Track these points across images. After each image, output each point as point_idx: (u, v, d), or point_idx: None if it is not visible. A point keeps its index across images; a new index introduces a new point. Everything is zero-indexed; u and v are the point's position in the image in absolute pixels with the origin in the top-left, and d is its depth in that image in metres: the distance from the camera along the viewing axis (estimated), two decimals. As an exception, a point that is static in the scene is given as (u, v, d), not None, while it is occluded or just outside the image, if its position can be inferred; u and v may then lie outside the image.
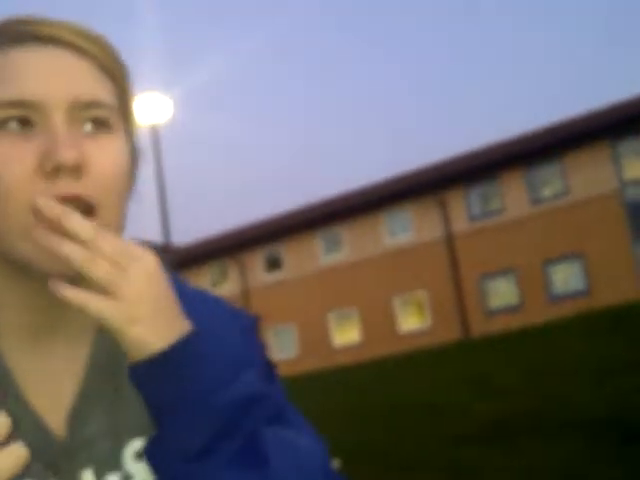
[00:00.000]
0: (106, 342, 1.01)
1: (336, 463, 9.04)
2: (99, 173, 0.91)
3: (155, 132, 19.53)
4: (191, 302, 1.05)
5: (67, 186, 0.89)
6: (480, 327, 26.80)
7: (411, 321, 29.42)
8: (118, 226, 0.95)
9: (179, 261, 29.35)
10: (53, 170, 0.88)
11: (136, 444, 0.97)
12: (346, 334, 30.63)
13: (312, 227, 31.23)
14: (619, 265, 25.18)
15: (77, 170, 0.89)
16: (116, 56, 0.99)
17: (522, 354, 17.44)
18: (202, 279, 34.03)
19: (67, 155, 0.87)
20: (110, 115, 0.94)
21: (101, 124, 0.94)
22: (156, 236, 21.39)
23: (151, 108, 19.61)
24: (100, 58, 0.96)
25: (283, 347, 31.39)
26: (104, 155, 0.92)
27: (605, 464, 9.59)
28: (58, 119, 0.90)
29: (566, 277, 26.66)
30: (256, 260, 33.05)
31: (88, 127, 0.93)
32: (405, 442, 12.79)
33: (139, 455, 0.97)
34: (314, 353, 30.31)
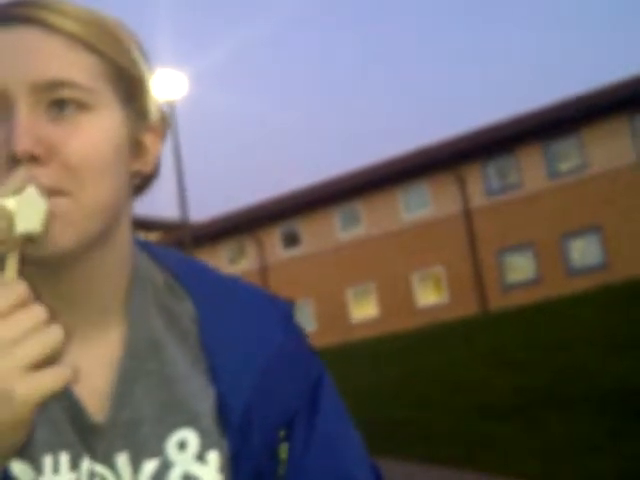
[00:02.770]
0: (142, 323, 1.00)
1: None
2: (67, 157, 0.88)
3: (171, 108, 19.55)
4: (231, 294, 1.07)
5: (26, 175, 0.86)
6: (498, 302, 26.78)
7: (429, 296, 29.44)
8: (97, 208, 0.91)
9: (196, 238, 29.44)
10: (11, 160, 0.86)
11: (182, 433, 0.96)
12: (364, 309, 30.70)
13: (329, 203, 31.22)
14: (637, 239, 25.06)
15: (34, 160, 0.86)
16: (103, 30, 0.94)
17: (540, 328, 17.42)
18: (219, 256, 34.13)
19: (19, 146, 0.85)
20: (82, 94, 0.90)
21: (73, 105, 0.89)
22: (173, 213, 21.46)
23: (167, 84, 19.62)
24: (78, 34, 0.91)
25: (302, 322, 31.38)
26: (73, 137, 0.88)
27: (623, 437, 9.61)
28: (20, 105, 0.87)
29: (584, 251, 26.58)
30: (273, 236, 33.10)
31: (56, 109, 0.89)
32: (423, 416, 12.84)
33: (183, 444, 0.95)
34: (332, 328, 30.39)
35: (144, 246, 1.08)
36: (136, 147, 0.98)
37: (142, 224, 38.79)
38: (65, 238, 0.88)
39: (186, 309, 1.04)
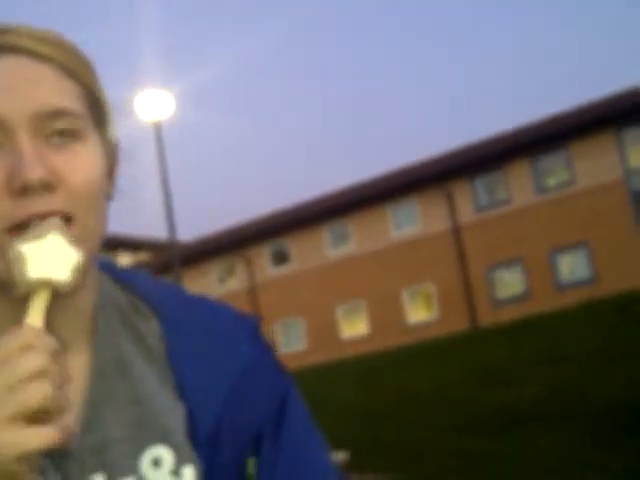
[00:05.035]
0: (108, 345, 1.00)
1: (344, 455, 9.09)
2: (71, 184, 0.89)
3: (158, 128, 19.55)
4: (196, 310, 1.08)
5: (39, 203, 0.87)
6: (488, 317, 26.79)
7: (419, 313, 29.43)
8: (96, 231, 0.94)
9: (185, 258, 29.39)
10: (21, 189, 0.86)
11: (155, 450, 0.95)
12: (354, 327, 30.66)
13: (318, 220, 31.22)
14: (625, 253, 25.14)
15: (46, 187, 0.87)
16: (81, 58, 0.97)
17: (530, 344, 17.45)
18: (208, 276, 34.08)
19: (33, 174, 0.86)
20: (77, 123, 0.92)
21: (69, 133, 0.91)
22: (161, 233, 21.42)
23: (153, 104, 19.63)
24: (63, 62, 0.93)
25: (292, 340, 31.45)
26: (75, 165, 0.90)
27: (611, 452, 9.62)
28: (23, 135, 0.88)
29: (572, 266, 26.65)
30: (263, 255, 33.07)
31: (56, 138, 0.90)
32: (414, 432, 12.83)
33: (157, 462, 0.95)
34: (323, 346, 30.34)
35: (104, 267, 1.07)
36: (107, 169, 0.99)
37: (130, 244, 38.69)
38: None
39: (152, 327, 1.04)
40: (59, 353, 0.78)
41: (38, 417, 0.75)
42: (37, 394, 0.74)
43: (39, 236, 0.85)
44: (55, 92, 0.91)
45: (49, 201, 0.87)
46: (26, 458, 0.74)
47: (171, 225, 18.80)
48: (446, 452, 11.41)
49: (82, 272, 0.87)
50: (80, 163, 0.91)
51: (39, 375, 0.75)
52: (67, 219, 0.89)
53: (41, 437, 0.74)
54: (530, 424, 11.67)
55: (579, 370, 13.80)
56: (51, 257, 0.84)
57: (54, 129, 0.90)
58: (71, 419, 0.88)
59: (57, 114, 0.90)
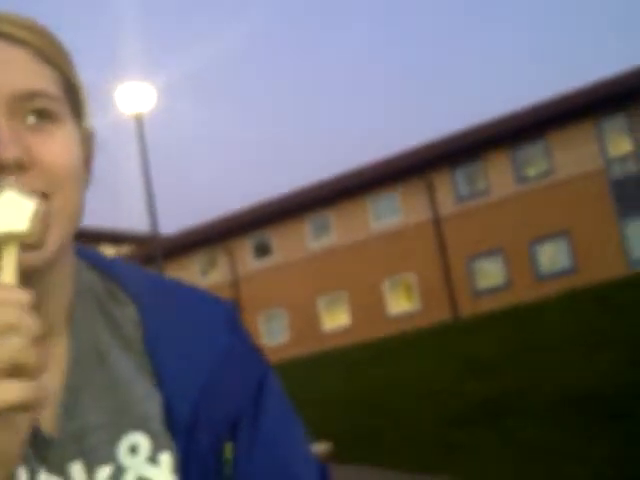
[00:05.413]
0: (85, 332, 1.01)
1: (326, 446, 9.10)
2: (46, 164, 0.90)
3: (139, 121, 19.48)
4: (173, 297, 1.08)
5: (14, 183, 0.87)
6: (469, 308, 26.90)
7: (400, 304, 29.50)
8: (73, 211, 0.94)
9: (167, 251, 29.33)
10: None
11: (132, 437, 0.96)
12: (336, 318, 30.70)
13: (300, 212, 31.23)
14: (605, 242, 25.29)
15: (20, 166, 0.88)
16: (57, 44, 0.97)
17: (510, 333, 17.52)
18: (190, 268, 34.03)
19: (7, 154, 0.86)
20: (54, 105, 0.93)
21: (45, 115, 0.92)
22: (143, 226, 21.38)
23: (135, 97, 19.56)
24: (40, 47, 0.94)
25: (274, 332, 31.47)
26: (50, 146, 0.91)
27: (594, 440, 9.68)
28: None
29: (553, 256, 26.77)
30: (245, 247, 33.05)
31: (32, 119, 0.91)
32: (396, 423, 12.87)
33: (134, 448, 0.95)
34: (305, 338, 30.38)
35: (80, 253, 1.07)
36: (84, 155, 1.00)
37: (112, 237, 38.59)
38: (51, 241, 0.89)
39: (129, 314, 1.04)
40: (33, 309, 0.76)
41: (12, 374, 0.72)
42: (8, 348, 0.72)
43: None
44: (32, 75, 0.92)
45: (24, 180, 0.88)
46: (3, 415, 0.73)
47: (153, 218, 18.75)
48: (429, 442, 11.45)
49: (41, 221, 0.85)
50: (56, 144, 0.92)
51: (10, 329, 0.73)
52: (43, 197, 0.89)
53: (15, 391, 0.72)
54: (512, 413, 11.73)
55: (560, 359, 13.86)
56: (8, 211, 0.83)
57: (31, 109, 0.91)
58: (46, 381, 0.85)
59: (33, 95, 0.91)
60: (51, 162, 0.90)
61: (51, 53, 0.95)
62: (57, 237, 0.91)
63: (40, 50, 0.94)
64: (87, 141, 1.02)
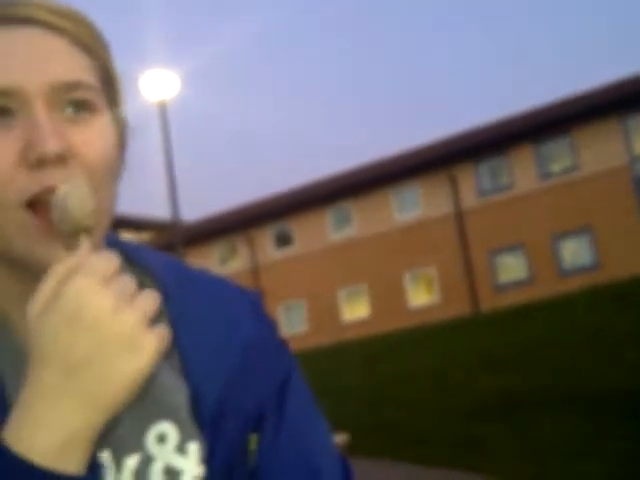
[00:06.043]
0: None
1: (343, 437, 9.11)
2: (85, 157, 0.89)
3: (163, 108, 19.54)
4: (199, 286, 1.07)
5: (53, 176, 0.86)
6: (490, 302, 26.83)
7: (420, 297, 29.48)
8: (109, 206, 0.94)
9: (187, 238, 29.42)
10: (38, 162, 0.86)
11: (161, 426, 0.96)
12: (356, 310, 30.72)
13: (321, 203, 31.24)
14: (628, 240, 25.14)
15: (62, 159, 0.87)
16: (96, 32, 0.97)
17: (531, 329, 17.48)
18: (211, 256, 34.12)
19: (50, 146, 0.85)
20: (92, 95, 0.92)
21: (84, 106, 0.91)
22: (165, 212, 21.45)
23: (158, 84, 19.62)
24: (78, 35, 0.93)
25: (293, 322, 31.52)
26: (89, 138, 0.90)
27: (611, 438, 9.65)
28: (39, 105, 0.88)
29: (575, 252, 26.66)
30: (265, 236, 33.10)
31: (70, 110, 0.90)
32: (415, 416, 12.86)
33: (162, 438, 0.96)
34: (324, 328, 30.42)
35: (112, 242, 1.06)
36: (119, 150, 0.99)
37: (133, 224, 38.72)
38: (95, 236, 0.89)
39: None
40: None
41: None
42: (147, 302, 0.81)
43: (73, 184, 0.86)
44: (70, 65, 0.91)
45: (65, 174, 0.87)
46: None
47: (174, 205, 18.81)
48: (446, 436, 11.44)
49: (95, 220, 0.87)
50: (95, 136, 0.91)
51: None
52: None
53: (162, 334, 0.81)
54: (531, 409, 11.70)
55: (580, 356, 13.81)
56: (76, 203, 0.85)
57: (70, 100, 0.90)
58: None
59: (73, 86, 0.90)
60: (90, 156, 0.90)
61: (90, 41, 0.95)
62: (98, 232, 0.91)
63: (79, 39, 0.93)
64: (122, 131, 1.01)
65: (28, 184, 0.87)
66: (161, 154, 19.14)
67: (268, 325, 1.10)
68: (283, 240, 32.75)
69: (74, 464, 0.79)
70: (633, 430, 9.66)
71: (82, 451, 0.80)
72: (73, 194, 0.84)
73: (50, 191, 0.86)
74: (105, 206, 0.93)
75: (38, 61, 0.89)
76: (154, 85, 19.58)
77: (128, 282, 0.81)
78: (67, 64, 0.91)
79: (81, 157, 0.89)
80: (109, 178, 0.93)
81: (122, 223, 37.30)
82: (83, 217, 0.84)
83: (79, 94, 0.90)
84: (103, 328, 0.78)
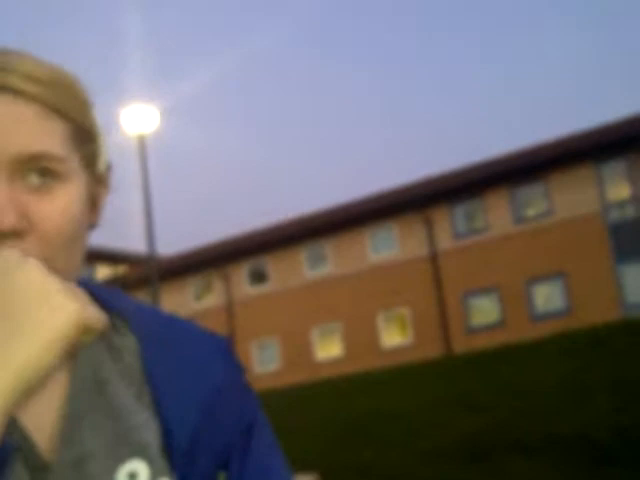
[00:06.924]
0: (87, 360, 1.02)
1: (312, 478, 9.05)
2: (44, 230, 0.90)
3: (141, 142, 19.55)
4: (172, 330, 1.10)
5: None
6: (462, 344, 26.86)
7: (394, 337, 29.46)
8: (71, 271, 0.95)
9: (163, 272, 29.30)
10: None
11: (132, 465, 0.96)
12: (329, 348, 30.64)
13: (297, 241, 31.27)
14: (601, 285, 25.32)
15: (18, 234, 0.87)
16: (72, 93, 0.95)
17: (503, 372, 17.49)
18: (186, 291, 33.99)
19: (5, 221, 0.86)
20: (58, 165, 0.91)
21: (49, 173, 0.91)
22: (141, 246, 21.36)
23: (137, 119, 19.65)
24: (52, 100, 0.92)
25: (266, 360, 31.38)
26: (50, 210, 0.90)
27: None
28: (1, 178, 0.88)
29: (548, 296, 26.79)
30: (241, 273, 33.04)
31: (34, 178, 0.90)
32: (386, 457, 12.81)
33: (133, 475, 0.95)
34: (297, 367, 30.30)
35: (81, 284, 1.06)
36: (91, 202, 1.00)
37: (109, 257, 38.53)
38: None
39: (129, 344, 1.06)
40: None
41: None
42: (86, 297, 0.88)
43: None
44: (37, 135, 0.90)
45: (20, 247, 0.88)
46: (80, 331, 0.84)
47: (151, 239, 18.76)
48: (418, 478, 11.39)
49: None
50: (56, 208, 0.91)
51: None
52: (44, 262, 0.89)
53: (98, 316, 0.86)
54: (501, 453, 11.68)
55: (551, 401, 13.83)
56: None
57: (34, 168, 0.90)
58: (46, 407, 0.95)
59: (37, 157, 0.89)
60: (48, 229, 0.90)
61: (63, 105, 0.93)
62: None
63: (51, 103, 0.92)
64: (100, 182, 1.01)
65: None
66: (139, 188, 19.12)
67: (237, 369, 1.12)
68: (258, 277, 32.71)
69: None
70: (602, 476, 9.68)
71: None
72: None
73: None
74: (65, 269, 0.93)
75: (3, 132, 0.89)
76: (133, 120, 19.61)
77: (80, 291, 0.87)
78: (34, 134, 0.90)
79: (39, 230, 0.90)
80: (69, 246, 0.93)
81: (98, 256, 37.12)
82: None
83: (44, 164, 0.90)
84: (18, 277, 0.82)
